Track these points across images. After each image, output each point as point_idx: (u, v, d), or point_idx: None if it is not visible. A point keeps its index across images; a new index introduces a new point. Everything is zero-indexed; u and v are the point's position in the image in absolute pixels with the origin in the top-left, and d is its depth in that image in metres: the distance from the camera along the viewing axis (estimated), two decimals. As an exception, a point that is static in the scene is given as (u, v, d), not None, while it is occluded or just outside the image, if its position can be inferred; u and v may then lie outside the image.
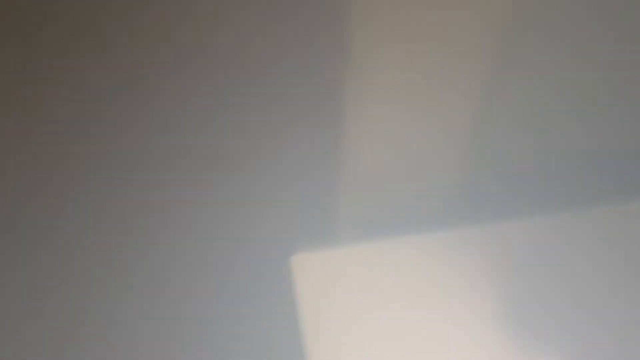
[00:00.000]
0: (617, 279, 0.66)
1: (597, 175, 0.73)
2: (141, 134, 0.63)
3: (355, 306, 0.66)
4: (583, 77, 0.64)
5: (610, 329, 0.64)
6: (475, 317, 0.66)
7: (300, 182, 0.69)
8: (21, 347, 0.83)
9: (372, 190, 0.70)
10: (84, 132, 0.63)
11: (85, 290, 0.78)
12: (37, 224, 0.71)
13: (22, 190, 0.67)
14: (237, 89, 0.61)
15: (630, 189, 0.73)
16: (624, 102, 0.67)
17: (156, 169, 0.66)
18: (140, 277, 0.77)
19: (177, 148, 0.65)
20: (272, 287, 0.77)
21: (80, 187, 0.67)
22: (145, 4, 0.55)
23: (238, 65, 0.59)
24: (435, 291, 0.67)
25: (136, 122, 0.62)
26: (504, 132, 0.67)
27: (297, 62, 0.59)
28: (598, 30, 0.60)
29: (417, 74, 0.61)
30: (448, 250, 0.69)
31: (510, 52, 0.60)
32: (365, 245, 0.70)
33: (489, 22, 0.58)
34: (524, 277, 0.67)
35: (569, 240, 0.69)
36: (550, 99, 0.66)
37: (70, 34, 0.56)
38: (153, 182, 0.67)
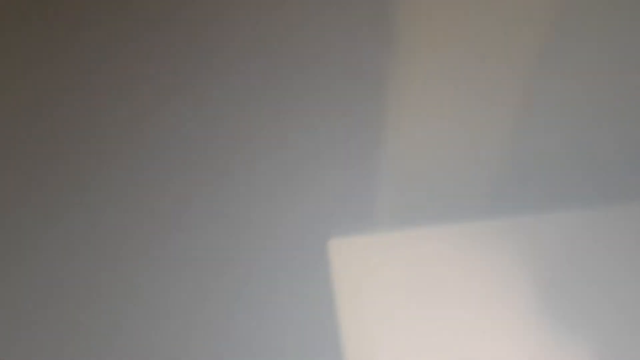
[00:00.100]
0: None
1: (636, 172, 0.71)
2: (177, 118, 0.63)
3: (392, 292, 0.66)
4: (628, 74, 0.63)
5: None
6: (511, 309, 0.65)
7: (340, 166, 0.68)
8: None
9: (413, 177, 0.69)
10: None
11: (120, 276, 0.79)
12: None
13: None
14: (279, 72, 0.60)
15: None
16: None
17: (192, 154, 0.66)
18: (179, 262, 0.78)
19: (212, 132, 0.65)
20: (309, 271, 0.77)
21: (111, 177, 0.68)
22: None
23: (282, 49, 0.59)
24: (473, 281, 0.66)
25: (172, 106, 0.62)
26: (549, 123, 0.66)
27: (340, 46, 0.59)
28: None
29: (463, 58, 0.60)
30: (488, 240, 0.68)
31: (562, 36, 0.59)
32: (403, 232, 0.69)
33: (539, 5, 0.57)
34: (563, 270, 0.66)
35: (607, 235, 0.68)
36: (595, 94, 0.64)
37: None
38: (191, 167, 0.68)
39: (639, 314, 0.64)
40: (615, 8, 0.57)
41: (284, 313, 0.84)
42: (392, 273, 0.67)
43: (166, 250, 0.77)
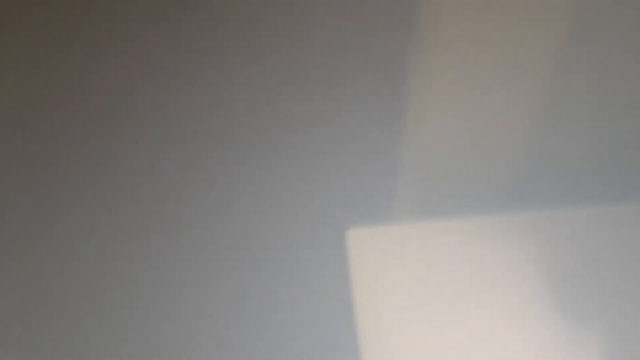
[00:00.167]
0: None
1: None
2: (196, 108, 0.63)
3: (408, 283, 0.66)
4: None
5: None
6: (524, 303, 0.65)
7: (359, 158, 0.68)
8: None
9: (431, 170, 0.69)
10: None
11: (133, 269, 0.79)
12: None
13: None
14: (298, 65, 0.60)
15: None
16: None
17: (212, 146, 0.67)
18: (198, 250, 0.78)
19: (232, 125, 0.65)
20: (327, 261, 0.77)
21: (118, 172, 0.68)
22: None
23: (304, 43, 0.59)
24: (487, 274, 0.66)
25: (192, 94, 0.63)
26: (566, 121, 0.66)
27: (362, 39, 0.59)
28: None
29: (486, 52, 0.60)
30: (506, 235, 0.68)
31: (583, 31, 0.59)
32: (420, 225, 0.69)
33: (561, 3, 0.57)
34: (577, 265, 0.66)
35: (620, 232, 0.67)
36: (611, 93, 0.64)
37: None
38: (210, 159, 0.68)
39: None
40: (632, 8, 0.57)
41: (301, 302, 0.84)
42: (408, 264, 0.67)
43: (185, 242, 0.77)
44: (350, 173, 0.70)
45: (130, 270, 0.80)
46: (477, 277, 0.66)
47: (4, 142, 0.65)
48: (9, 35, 0.57)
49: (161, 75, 0.60)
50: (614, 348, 0.62)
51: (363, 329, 0.65)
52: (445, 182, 0.70)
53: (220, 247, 0.78)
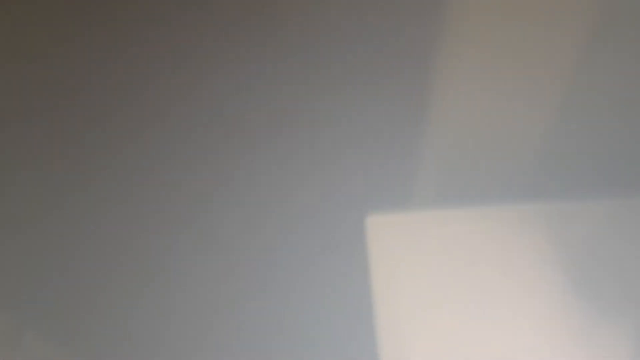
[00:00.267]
0: None
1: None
2: (216, 91, 0.63)
3: (427, 270, 0.66)
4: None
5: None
6: (548, 294, 0.65)
7: (381, 143, 0.68)
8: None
9: (453, 157, 0.69)
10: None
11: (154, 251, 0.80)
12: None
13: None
14: (320, 50, 0.60)
15: None
16: None
17: (232, 129, 0.67)
18: (217, 237, 0.78)
19: (253, 107, 0.65)
20: (346, 247, 0.77)
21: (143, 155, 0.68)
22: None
23: (327, 26, 0.59)
24: (507, 263, 0.66)
25: (211, 80, 0.63)
26: (589, 113, 0.65)
27: (385, 24, 0.58)
28: None
29: (507, 48, 0.60)
30: (528, 225, 0.68)
31: (601, 32, 0.58)
32: (440, 212, 0.69)
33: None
34: (597, 256, 0.66)
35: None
36: (634, 88, 0.63)
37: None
38: (230, 142, 0.68)
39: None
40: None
41: (320, 289, 0.85)
42: (428, 251, 0.67)
43: (203, 230, 0.77)
44: (370, 159, 0.70)
45: (147, 258, 0.80)
46: (496, 266, 0.66)
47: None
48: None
49: (180, 69, 0.61)
50: (636, 339, 0.62)
51: (381, 316, 0.65)
52: (466, 169, 0.70)
53: (239, 233, 0.78)
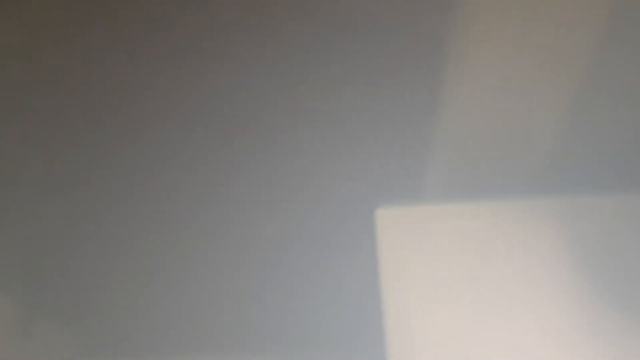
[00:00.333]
0: None
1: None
2: (230, 81, 0.63)
3: (436, 264, 0.66)
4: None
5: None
6: (560, 289, 0.64)
7: (391, 134, 0.68)
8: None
9: (464, 151, 0.69)
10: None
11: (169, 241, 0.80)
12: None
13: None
14: (330, 40, 0.60)
15: None
16: None
17: (244, 120, 0.67)
18: (230, 232, 0.79)
19: (262, 102, 0.65)
20: (356, 239, 0.77)
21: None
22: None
23: (334, 17, 0.59)
24: (517, 257, 0.66)
25: (225, 71, 0.63)
26: (604, 107, 0.65)
27: (397, 15, 0.58)
28: None
29: (522, 35, 0.59)
30: (539, 219, 0.67)
31: (618, 23, 0.58)
32: (450, 206, 0.69)
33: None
34: (609, 250, 0.65)
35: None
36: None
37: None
38: (242, 134, 0.68)
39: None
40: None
41: (329, 280, 0.85)
42: (437, 245, 0.67)
43: (214, 225, 0.77)
44: (381, 151, 0.70)
45: (157, 253, 0.80)
46: (506, 261, 0.66)
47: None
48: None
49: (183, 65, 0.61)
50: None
51: (389, 309, 0.65)
52: (476, 163, 0.70)
53: (251, 226, 0.78)
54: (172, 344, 0.91)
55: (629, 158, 0.70)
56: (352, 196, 0.74)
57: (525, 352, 0.63)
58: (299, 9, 0.58)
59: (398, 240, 0.68)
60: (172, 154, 0.70)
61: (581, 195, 0.69)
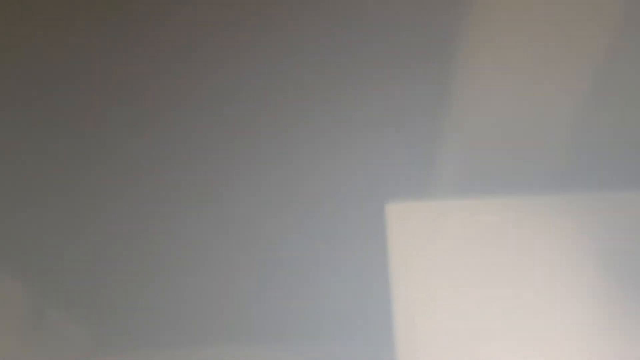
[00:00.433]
0: None
1: None
2: (238, 75, 0.63)
3: (447, 260, 0.66)
4: None
5: None
6: (568, 288, 0.64)
7: (402, 128, 0.68)
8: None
9: (477, 146, 0.68)
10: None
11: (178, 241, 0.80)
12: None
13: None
14: (339, 31, 0.60)
15: None
16: None
17: (250, 114, 0.67)
18: (237, 228, 0.79)
19: (270, 95, 0.65)
20: (365, 234, 0.77)
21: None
22: None
23: (348, 14, 0.58)
24: (530, 256, 0.65)
25: (232, 65, 0.62)
26: (622, 99, 0.64)
27: (409, 13, 0.58)
28: None
29: (534, 32, 0.59)
30: (552, 216, 0.67)
31: (636, 16, 0.57)
32: (462, 201, 0.68)
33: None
34: (627, 249, 0.65)
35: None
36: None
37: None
38: (250, 127, 0.68)
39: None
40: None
41: (338, 276, 0.85)
42: (449, 241, 0.67)
43: (219, 216, 0.77)
44: (391, 146, 0.69)
45: (170, 246, 0.80)
46: (518, 257, 0.65)
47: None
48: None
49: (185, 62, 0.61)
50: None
51: (398, 304, 0.65)
52: (489, 158, 0.69)
53: (258, 221, 0.78)
54: (191, 333, 0.91)
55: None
56: (361, 191, 0.73)
57: (539, 350, 0.62)
58: (312, 4, 0.58)
59: (408, 235, 0.67)
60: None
61: (595, 191, 0.68)
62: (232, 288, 0.87)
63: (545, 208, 0.67)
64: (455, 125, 0.67)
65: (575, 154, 0.69)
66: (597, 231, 0.66)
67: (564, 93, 0.64)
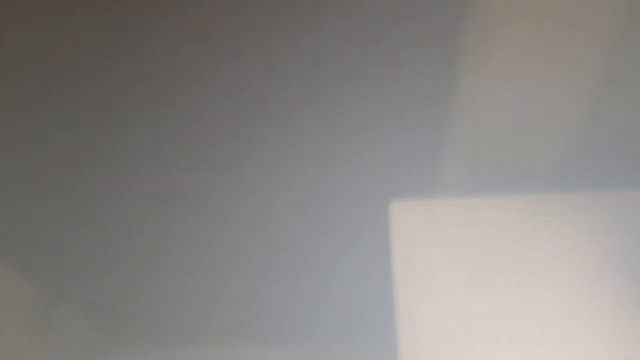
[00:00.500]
0: None
1: None
2: (246, 73, 0.63)
3: (449, 258, 0.65)
4: None
5: None
6: (569, 285, 0.64)
7: (406, 127, 0.68)
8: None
9: (481, 145, 0.68)
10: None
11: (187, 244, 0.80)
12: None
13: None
14: (347, 31, 0.60)
15: None
16: None
17: (257, 112, 0.66)
18: (243, 226, 0.78)
19: (276, 95, 0.65)
20: (369, 232, 0.77)
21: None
22: None
23: (353, 16, 0.58)
24: (532, 253, 0.65)
25: (238, 62, 0.62)
26: (628, 97, 0.64)
27: (414, 13, 0.58)
28: None
29: (539, 30, 0.59)
30: (552, 215, 0.67)
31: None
32: (465, 200, 0.68)
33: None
34: (632, 249, 0.65)
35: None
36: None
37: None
38: (258, 124, 0.68)
39: None
40: None
41: (342, 274, 0.84)
42: (451, 240, 0.66)
43: (217, 219, 0.77)
44: (395, 145, 0.69)
45: (182, 244, 0.80)
46: (521, 256, 0.65)
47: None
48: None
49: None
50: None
51: (402, 302, 0.65)
52: (492, 157, 0.69)
53: (264, 219, 0.78)
54: (203, 329, 0.91)
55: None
56: (366, 190, 0.73)
57: (540, 347, 0.62)
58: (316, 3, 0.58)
59: (411, 233, 0.67)
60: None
61: (597, 190, 0.68)
62: (232, 288, 0.87)
63: (548, 207, 0.67)
64: (459, 127, 0.67)
65: (576, 154, 0.69)
66: (597, 230, 0.66)
67: (566, 94, 0.64)
